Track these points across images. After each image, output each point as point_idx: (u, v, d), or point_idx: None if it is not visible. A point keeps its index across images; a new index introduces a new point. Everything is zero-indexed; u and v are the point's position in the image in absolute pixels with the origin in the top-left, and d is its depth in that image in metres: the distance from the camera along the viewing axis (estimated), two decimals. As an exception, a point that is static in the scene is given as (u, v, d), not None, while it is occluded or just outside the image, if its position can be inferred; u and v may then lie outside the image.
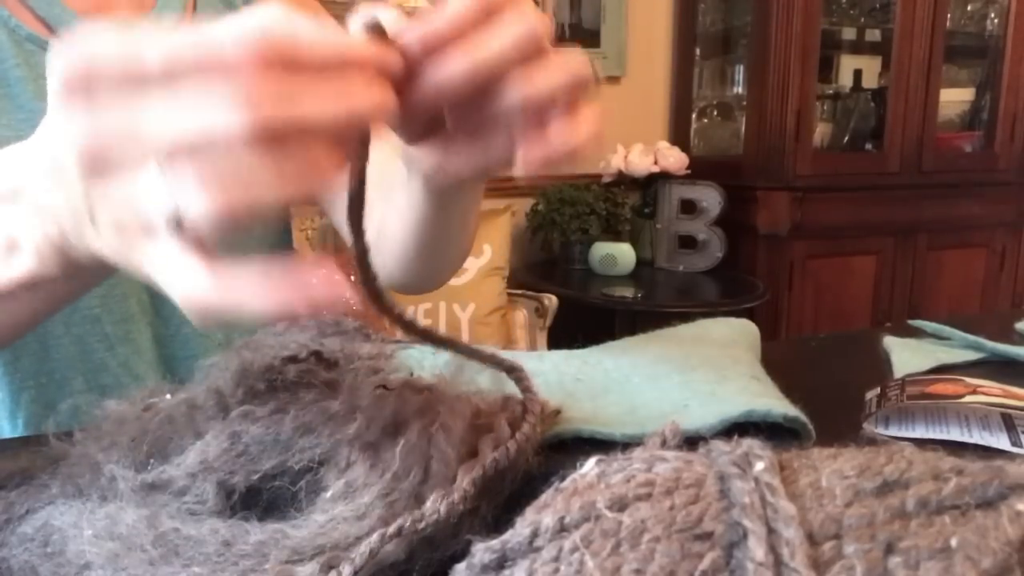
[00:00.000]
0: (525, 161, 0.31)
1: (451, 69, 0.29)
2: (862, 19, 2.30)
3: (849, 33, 2.27)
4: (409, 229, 0.54)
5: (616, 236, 2.21)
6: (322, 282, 0.26)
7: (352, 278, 0.28)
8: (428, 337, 0.34)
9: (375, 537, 0.26)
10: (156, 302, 0.62)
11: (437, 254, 0.61)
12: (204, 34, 0.24)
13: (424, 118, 0.33)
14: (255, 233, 0.66)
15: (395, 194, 0.53)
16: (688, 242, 2.19)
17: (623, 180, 2.21)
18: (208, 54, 0.23)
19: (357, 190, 0.28)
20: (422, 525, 0.27)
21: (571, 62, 0.31)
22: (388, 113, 0.27)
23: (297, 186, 0.25)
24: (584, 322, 1.91)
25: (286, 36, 0.24)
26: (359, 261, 0.29)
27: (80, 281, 0.36)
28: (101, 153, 0.26)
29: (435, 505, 0.28)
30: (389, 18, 0.30)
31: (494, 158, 0.33)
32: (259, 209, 0.25)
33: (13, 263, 0.32)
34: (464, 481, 0.29)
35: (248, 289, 0.26)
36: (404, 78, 0.29)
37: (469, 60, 0.29)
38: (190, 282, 0.27)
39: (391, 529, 0.26)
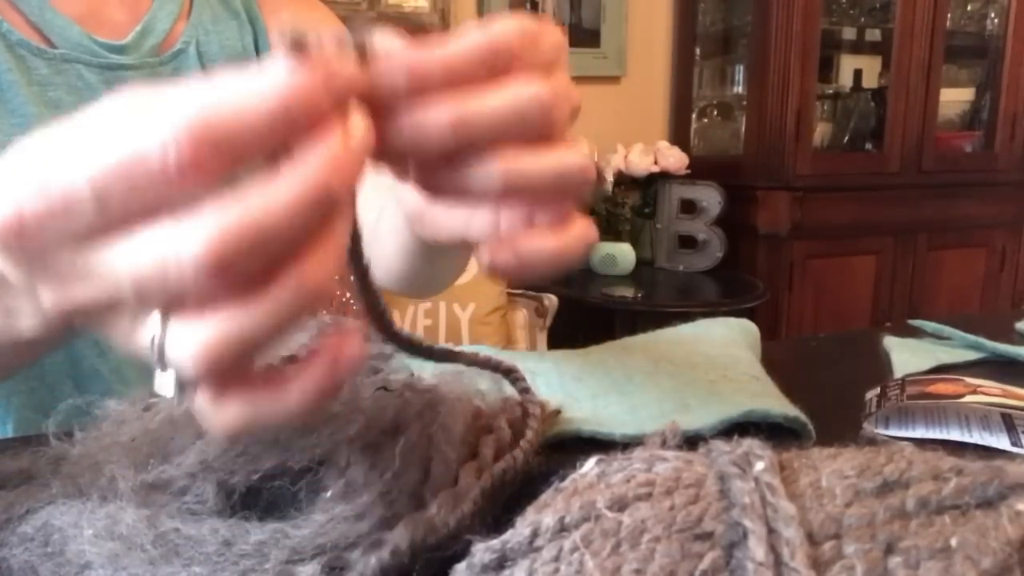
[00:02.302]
0: (490, 264, 0.27)
1: (429, 118, 0.24)
2: (862, 19, 2.29)
3: (849, 33, 2.27)
4: (397, 250, 0.53)
5: (616, 236, 2.21)
6: (343, 356, 0.23)
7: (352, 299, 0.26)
8: (428, 353, 0.34)
9: (386, 552, 0.26)
10: None
11: (424, 279, 0.60)
12: (124, 142, 0.20)
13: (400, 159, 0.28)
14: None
15: (388, 200, 0.52)
16: (688, 242, 2.19)
17: (623, 180, 2.21)
18: (135, 171, 0.20)
19: (354, 231, 0.26)
20: (432, 539, 0.27)
21: (574, 154, 0.26)
22: (361, 170, 0.23)
23: (289, 311, 0.21)
24: (584, 322, 1.91)
25: (211, 117, 0.20)
26: (363, 292, 0.28)
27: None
28: (69, 306, 0.24)
29: (445, 518, 0.28)
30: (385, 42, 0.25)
31: (474, 230, 0.27)
32: (254, 346, 0.22)
33: None
34: (473, 492, 0.29)
35: (263, 406, 0.23)
36: (378, 106, 0.24)
37: (452, 114, 0.24)
38: (197, 405, 0.24)
39: (403, 545, 0.26)
